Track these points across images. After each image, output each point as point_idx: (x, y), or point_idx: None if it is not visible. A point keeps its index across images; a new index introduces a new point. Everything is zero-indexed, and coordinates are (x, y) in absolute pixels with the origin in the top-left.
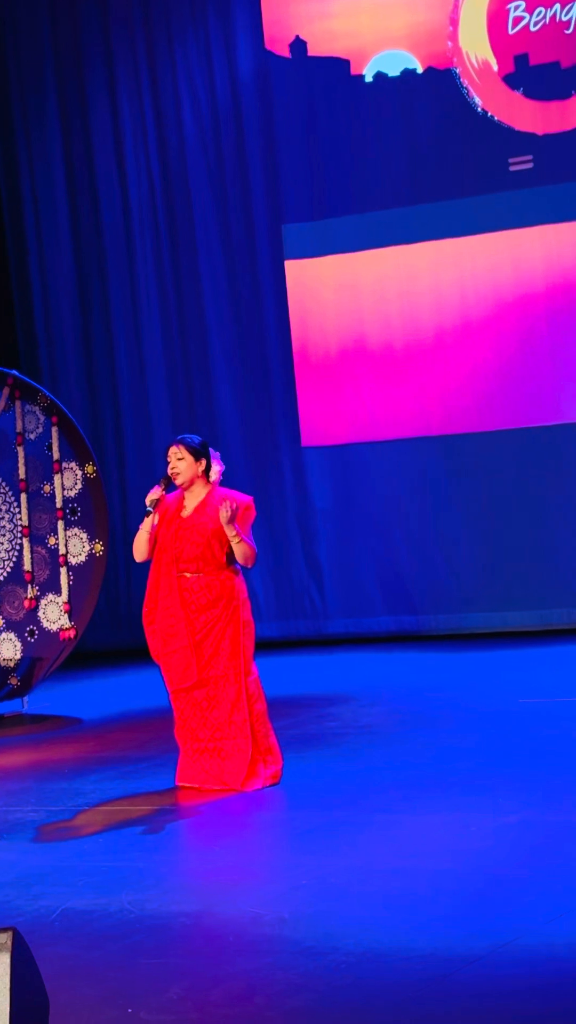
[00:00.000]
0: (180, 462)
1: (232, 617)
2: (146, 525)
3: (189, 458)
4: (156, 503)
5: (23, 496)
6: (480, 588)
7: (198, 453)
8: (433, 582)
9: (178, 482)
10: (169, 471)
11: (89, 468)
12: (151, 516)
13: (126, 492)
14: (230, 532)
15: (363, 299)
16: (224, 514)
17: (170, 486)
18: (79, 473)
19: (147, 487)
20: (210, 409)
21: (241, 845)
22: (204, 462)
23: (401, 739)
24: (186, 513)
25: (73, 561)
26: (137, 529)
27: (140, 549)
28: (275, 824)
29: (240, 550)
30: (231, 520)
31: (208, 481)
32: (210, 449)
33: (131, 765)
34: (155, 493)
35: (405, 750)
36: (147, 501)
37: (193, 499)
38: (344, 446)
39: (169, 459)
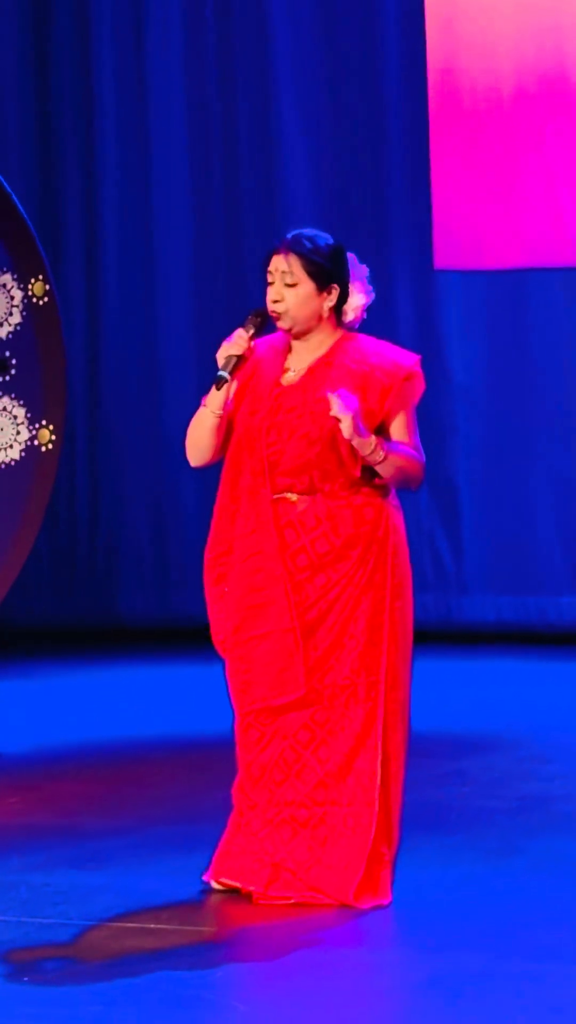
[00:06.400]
0: (288, 288)
1: (374, 579)
2: (213, 403)
3: (307, 283)
4: (237, 365)
5: None
6: None
7: (324, 273)
8: None
9: (282, 325)
10: (268, 302)
11: (36, 287)
12: (224, 387)
13: (96, 340)
14: (364, 448)
15: None
16: (345, 425)
17: (265, 327)
18: (17, 295)
19: (144, 337)
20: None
21: (315, 1010)
22: (336, 291)
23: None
24: (289, 380)
25: None
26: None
27: (200, 444)
28: (368, 970)
29: (388, 467)
30: (354, 430)
31: (337, 324)
32: (352, 260)
33: (94, 842)
34: (235, 345)
35: None
36: (220, 359)
37: (306, 355)
38: (504, 273)
39: (271, 278)
